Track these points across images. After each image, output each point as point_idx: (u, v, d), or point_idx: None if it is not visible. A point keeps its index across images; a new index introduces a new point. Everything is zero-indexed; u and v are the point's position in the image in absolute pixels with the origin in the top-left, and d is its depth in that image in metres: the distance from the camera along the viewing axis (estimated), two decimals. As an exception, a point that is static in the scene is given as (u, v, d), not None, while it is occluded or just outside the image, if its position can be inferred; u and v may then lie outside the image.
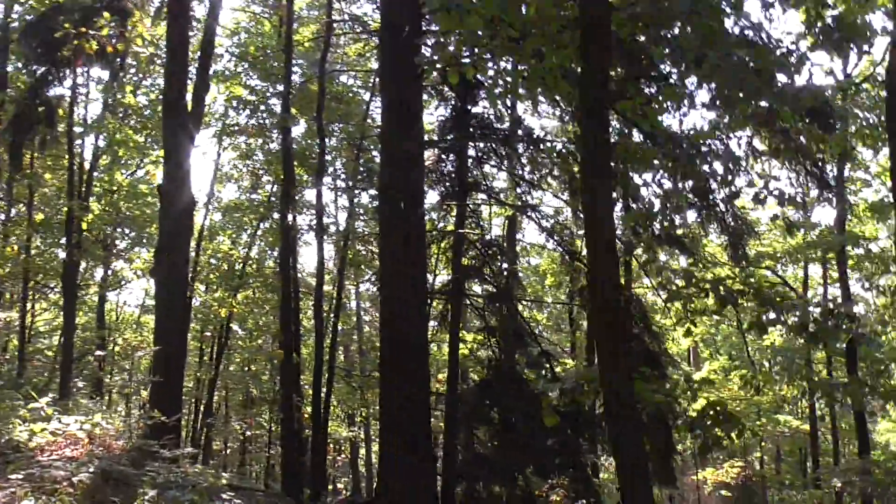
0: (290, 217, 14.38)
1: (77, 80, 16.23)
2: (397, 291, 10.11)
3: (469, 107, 12.87)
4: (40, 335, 24.38)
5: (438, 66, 12.25)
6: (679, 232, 12.25)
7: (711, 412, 7.38)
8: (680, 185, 10.89)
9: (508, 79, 6.49)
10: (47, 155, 18.73)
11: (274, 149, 19.89)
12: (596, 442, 13.05)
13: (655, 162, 8.40)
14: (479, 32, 6.37)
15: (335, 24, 16.07)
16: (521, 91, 7.71)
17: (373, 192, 21.19)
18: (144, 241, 22.25)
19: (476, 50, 7.38)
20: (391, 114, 10.64)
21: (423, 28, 11.23)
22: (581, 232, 14.15)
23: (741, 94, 7.50)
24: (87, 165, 18.60)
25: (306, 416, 17.31)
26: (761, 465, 26.34)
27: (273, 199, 21.38)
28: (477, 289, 13.52)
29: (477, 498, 12.08)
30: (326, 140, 16.52)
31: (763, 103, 9.37)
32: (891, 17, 8.60)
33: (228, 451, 29.78)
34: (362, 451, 29.57)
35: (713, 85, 7.58)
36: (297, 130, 17.94)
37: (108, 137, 18.84)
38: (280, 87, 17.44)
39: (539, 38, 5.62)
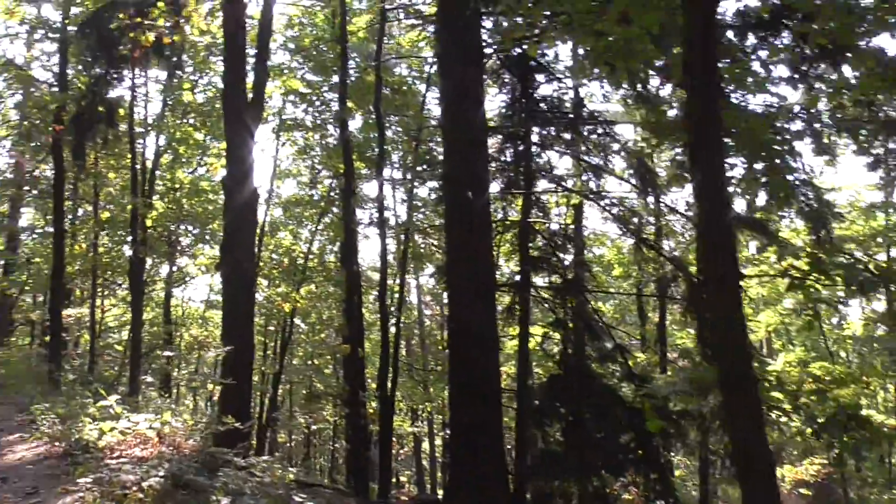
0: (351, 211, 14.13)
1: (136, 80, 16.41)
2: (463, 283, 9.75)
3: (531, 91, 12.40)
4: (110, 330, 24.96)
5: (500, 46, 11.87)
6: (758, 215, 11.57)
7: (846, 419, 6.54)
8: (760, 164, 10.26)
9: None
10: (110, 155, 19.03)
11: (331, 143, 19.78)
12: (670, 438, 12.46)
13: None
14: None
15: (389, 13, 15.73)
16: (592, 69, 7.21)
17: (431, 184, 20.96)
18: (207, 237, 22.48)
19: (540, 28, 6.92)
20: (452, 99, 10.26)
21: (482, 10, 10.82)
22: (650, 219, 13.54)
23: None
24: (149, 164, 18.84)
25: (371, 410, 17.14)
26: (841, 461, 25.09)
27: (333, 193, 21.28)
28: (540, 281, 13.06)
29: (549, 495, 11.66)
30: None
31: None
32: None
33: (293, 444, 30.04)
34: (425, 445, 29.41)
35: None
36: (354, 124, 17.77)
37: (168, 136, 19.02)
38: (335, 80, 17.31)
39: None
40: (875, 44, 8.68)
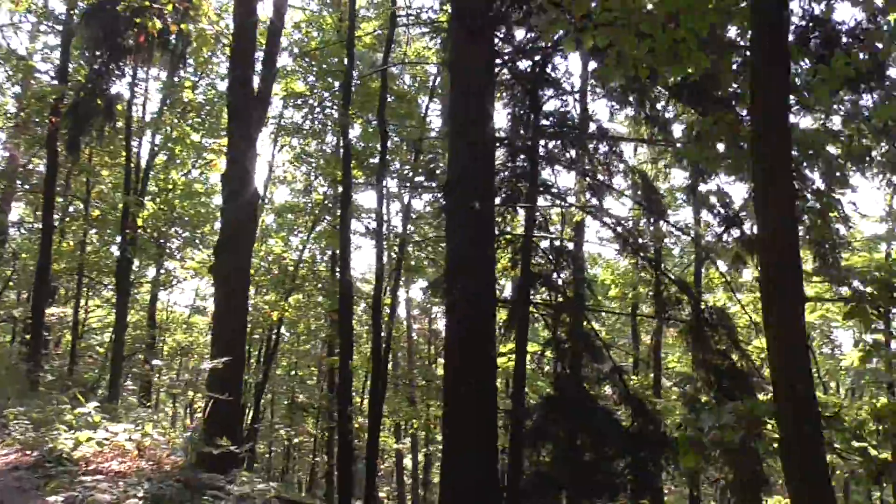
0: (348, 219, 13.78)
1: (137, 74, 16.08)
2: (464, 297, 9.40)
3: (540, 104, 12.16)
4: (93, 331, 24.44)
5: (511, 56, 11.64)
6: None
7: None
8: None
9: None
10: (105, 151, 18.66)
11: (328, 151, 19.48)
12: (660, 466, 12.14)
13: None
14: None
15: (397, 19, 15.49)
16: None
17: (427, 196, 20.66)
18: (197, 241, 22.08)
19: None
20: (461, 106, 9.98)
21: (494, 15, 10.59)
22: (653, 239, 13.27)
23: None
24: (143, 163, 18.47)
25: (357, 425, 16.71)
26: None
27: (327, 201, 20.95)
28: (537, 297, 12.74)
29: (541, 519, 11.29)
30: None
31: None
32: None
33: (272, 456, 29.45)
34: (405, 460, 28.95)
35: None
36: (353, 132, 17.48)
37: (165, 135, 18.66)
38: (337, 85, 17.04)
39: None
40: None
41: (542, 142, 11.87)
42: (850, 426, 5.67)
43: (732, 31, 7.08)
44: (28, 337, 16.25)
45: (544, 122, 12.32)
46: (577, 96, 13.45)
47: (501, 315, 12.30)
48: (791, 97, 5.61)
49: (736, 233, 11.11)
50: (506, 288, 14.90)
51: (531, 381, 14.99)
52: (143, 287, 23.17)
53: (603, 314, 19.28)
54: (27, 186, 20.69)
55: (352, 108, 14.92)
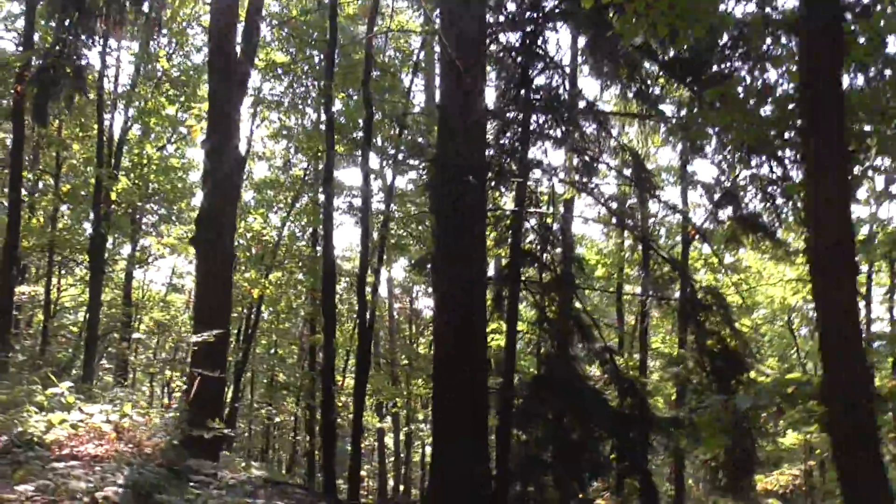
0: (330, 195, 13.36)
1: (108, 43, 15.43)
2: (455, 275, 9.12)
3: (531, 78, 11.81)
4: (66, 311, 23.82)
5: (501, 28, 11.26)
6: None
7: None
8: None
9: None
10: (75, 124, 18.00)
11: (308, 126, 18.97)
12: (648, 446, 12.03)
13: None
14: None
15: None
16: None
17: (411, 175, 20.24)
18: (174, 217, 21.54)
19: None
20: (451, 79, 9.63)
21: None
22: (647, 217, 13.05)
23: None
24: (116, 138, 17.86)
25: (339, 404, 16.41)
26: (810, 474, 25.13)
27: (308, 178, 20.48)
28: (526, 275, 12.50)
29: (530, 500, 11.13)
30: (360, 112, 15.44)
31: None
32: None
33: (251, 435, 29.14)
34: (385, 438, 28.81)
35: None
36: (334, 107, 16.99)
37: (137, 109, 18.04)
38: (318, 59, 16.52)
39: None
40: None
41: (533, 116, 11.53)
42: None
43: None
44: (-3, 316, 15.70)
45: (535, 96, 11.97)
46: (566, 72, 13.14)
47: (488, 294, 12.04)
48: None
49: (729, 211, 10.91)
50: (489, 266, 14.63)
51: (524, 362, 14.79)
52: (119, 265, 22.59)
53: (586, 294, 19.11)
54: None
55: (334, 82, 14.44)
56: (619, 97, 14.07)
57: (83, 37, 10.19)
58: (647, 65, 12.31)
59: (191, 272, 23.84)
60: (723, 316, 10.18)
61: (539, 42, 11.88)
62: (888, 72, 5.87)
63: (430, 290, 30.64)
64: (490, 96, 11.31)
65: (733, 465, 10.26)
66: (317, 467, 22.14)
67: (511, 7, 11.64)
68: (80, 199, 18.67)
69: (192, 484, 4.79)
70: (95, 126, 16.34)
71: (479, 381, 9.12)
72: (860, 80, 6.49)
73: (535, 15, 11.46)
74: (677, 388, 14.48)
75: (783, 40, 6.90)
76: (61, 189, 18.17)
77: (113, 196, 16.62)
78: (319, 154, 17.94)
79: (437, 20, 10.87)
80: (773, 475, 21.24)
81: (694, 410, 11.14)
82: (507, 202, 12.18)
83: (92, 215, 16.41)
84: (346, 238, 50.20)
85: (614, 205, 13.10)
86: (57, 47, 9.16)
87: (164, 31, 16.79)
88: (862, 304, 17.52)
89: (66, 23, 8.91)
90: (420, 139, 15.28)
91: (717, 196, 10.77)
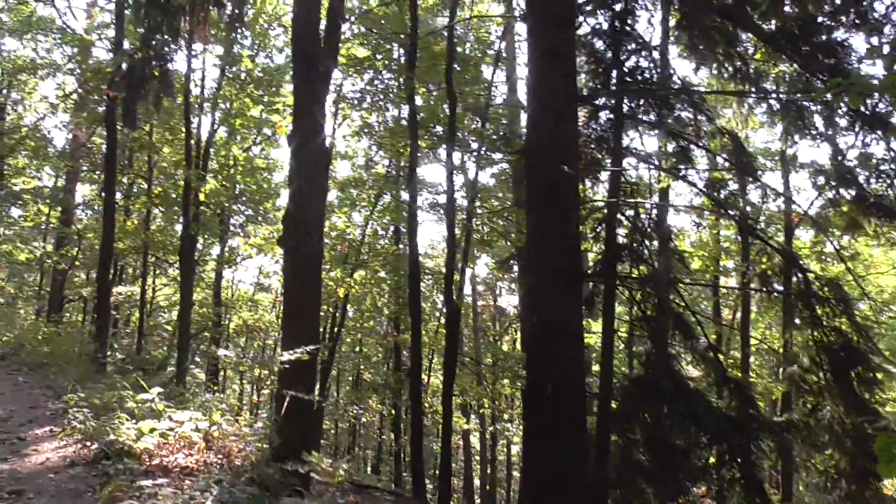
0: (414, 190, 13.06)
1: (192, 46, 15.63)
2: (548, 270, 8.59)
3: (623, 60, 11.12)
4: (160, 309, 24.59)
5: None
6: None
7: None
8: None
9: None
10: (164, 128, 18.41)
11: (390, 123, 18.79)
12: (758, 451, 11.18)
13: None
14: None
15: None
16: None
17: (493, 170, 19.78)
18: (259, 218, 21.84)
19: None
20: (541, 63, 9.10)
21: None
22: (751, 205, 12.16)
23: None
24: (203, 140, 18.17)
25: (427, 404, 16.15)
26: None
27: (390, 175, 20.33)
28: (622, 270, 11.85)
29: (630, 507, 10.51)
30: (445, 108, 15.11)
31: None
32: None
33: (337, 433, 29.38)
34: (471, 438, 28.48)
35: None
36: (417, 100, 16.71)
37: (224, 111, 18.28)
38: (397, 54, 16.26)
39: None
40: None
41: (626, 101, 10.85)
42: None
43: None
44: (96, 316, 16.21)
45: (630, 78, 11.28)
46: (657, 52, 12.41)
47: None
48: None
49: (846, 194, 9.95)
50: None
51: (622, 363, 14.09)
52: (209, 265, 23.10)
53: (683, 288, 18.13)
54: (89, 166, 20.69)
55: (416, 74, 14.13)
56: (715, 76, 13.24)
57: (168, 38, 10.18)
58: (744, 38, 11.52)
59: (277, 272, 24.18)
60: (843, 309, 9.26)
61: (629, 21, 11.23)
62: None
63: (514, 287, 30.13)
64: (578, 81, 10.73)
65: (857, 473, 9.34)
66: (403, 466, 22.04)
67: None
68: (171, 202, 19.11)
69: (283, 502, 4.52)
70: (183, 129, 16.64)
71: (575, 383, 8.57)
72: None
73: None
74: (786, 390, 13.49)
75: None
76: (153, 192, 18.61)
77: (202, 197, 16.89)
78: (401, 151, 17.72)
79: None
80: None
81: (810, 414, 10.28)
82: (596, 193, 11.57)
83: (182, 217, 16.73)
84: (428, 234, 50.11)
85: (714, 193, 12.23)
86: (142, 46, 9.17)
87: (248, 32, 16.94)
88: None
89: (151, 24, 8.92)
90: (502, 132, 14.79)
91: (829, 179, 9.83)
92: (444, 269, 20.17)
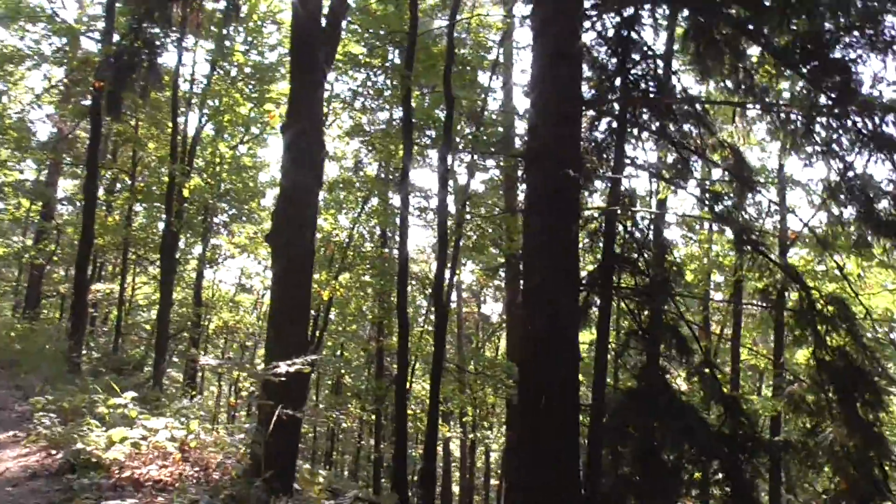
0: (406, 193, 12.72)
1: (184, 43, 15.24)
2: (546, 278, 8.26)
3: (628, 67, 10.88)
4: (139, 308, 24.02)
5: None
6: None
7: None
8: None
9: None
10: (150, 122, 17.96)
11: (382, 125, 18.46)
12: (755, 471, 10.93)
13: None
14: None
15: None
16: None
17: (483, 176, 19.50)
18: (244, 217, 21.38)
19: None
20: (546, 64, 8.80)
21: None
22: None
23: None
24: (190, 133, 17.73)
25: (410, 411, 15.76)
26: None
27: (381, 176, 19.97)
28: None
29: (621, 525, 10.20)
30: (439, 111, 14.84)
31: None
32: None
33: (315, 438, 28.88)
34: (451, 446, 28.16)
35: None
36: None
37: (211, 108, 17.86)
38: (395, 54, 15.93)
39: None
40: None
41: (629, 108, 10.60)
42: None
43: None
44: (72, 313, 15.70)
45: (634, 86, 11.06)
46: (661, 61, 12.21)
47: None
48: None
49: (858, 210, 9.67)
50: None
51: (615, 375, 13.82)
52: (190, 264, 22.59)
53: (679, 301, 17.90)
54: (69, 160, 20.15)
55: (413, 75, 13.81)
56: (719, 88, 13.05)
57: (159, 26, 9.77)
58: (750, 52, 11.34)
59: (259, 272, 23.69)
60: (847, 328, 9.02)
61: (636, 28, 11.01)
62: None
63: (499, 294, 29.85)
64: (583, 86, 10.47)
65: (858, 496, 9.09)
66: (381, 473, 21.64)
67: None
68: (154, 198, 18.65)
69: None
70: (170, 124, 16.21)
71: (570, 391, 8.26)
72: None
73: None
74: (780, 409, 13.27)
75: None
76: (136, 187, 18.14)
77: (185, 193, 16.44)
78: (392, 153, 17.40)
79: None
80: None
81: (809, 434, 10.02)
82: (593, 201, 11.33)
83: (164, 213, 16.26)
84: (415, 239, 49.70)
85: (715, 205, 12.01)
86: (133, 38, 8.76)
87: (241, 28, 16.54)
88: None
89: (142, 11, 8.52)
90: (505, 135, 14.51)
91: (836, 194, 9.58)
92: (430, 274, 19.85)
